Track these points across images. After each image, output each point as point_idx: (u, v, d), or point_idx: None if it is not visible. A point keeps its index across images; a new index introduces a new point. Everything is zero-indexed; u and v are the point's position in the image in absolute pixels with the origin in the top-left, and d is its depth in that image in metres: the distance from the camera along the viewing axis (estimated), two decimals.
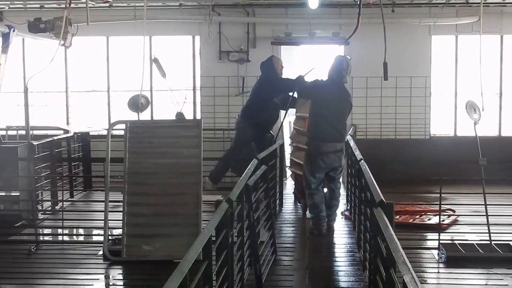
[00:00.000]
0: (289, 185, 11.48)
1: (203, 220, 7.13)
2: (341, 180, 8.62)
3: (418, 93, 12.71)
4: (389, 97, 12.67)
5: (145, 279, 6.78)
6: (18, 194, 9.34)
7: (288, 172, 11.86)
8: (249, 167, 6.60)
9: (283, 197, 10.26)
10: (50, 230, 9.15)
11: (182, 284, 3.35)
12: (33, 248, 7.88)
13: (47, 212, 9.80)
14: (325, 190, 8.49)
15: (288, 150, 11.79)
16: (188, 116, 12.13)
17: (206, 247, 4.20)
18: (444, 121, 13.03)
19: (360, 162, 7.00)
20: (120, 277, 7.13)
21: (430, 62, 12.78)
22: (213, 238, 4.57)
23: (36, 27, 9.82)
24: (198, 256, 3.86)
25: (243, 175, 6.14)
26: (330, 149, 8.12)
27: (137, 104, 9.13)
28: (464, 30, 12.28)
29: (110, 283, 6.93)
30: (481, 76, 8.58)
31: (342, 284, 6.49)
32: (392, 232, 4.03)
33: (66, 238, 8.58)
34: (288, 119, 11.67)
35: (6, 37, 9.58)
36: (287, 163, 11.60)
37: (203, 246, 4.05)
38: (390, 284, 4.12)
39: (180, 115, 10.47)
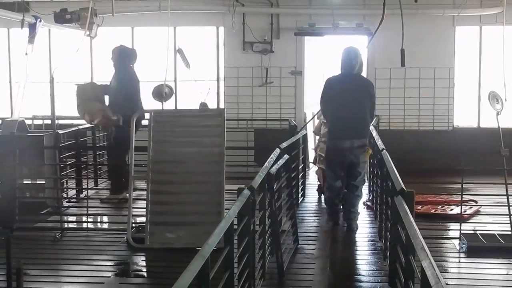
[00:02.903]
0: (312, 176, 11.52)
1: (226, 209, 7.20)
2: (365, 176, 8.42)
3: (441, 84, 12.67)
4: (412, 88, 12.65)
5: (168, 266, 6.84)
6: (43, 182, 9.47)
7: (311, 166, 11.88)
8: (271, 156, 6.67)
9: (306, 188, 10.30)
10: (74, 217, 9.28)
11: (204, 268, 3.42)
12: (58, 235, 8.00)
13: (71, 200, 9.92)
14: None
15: (310, 143, 11.85)
16: (212, 106, 12.21)
17: (228, 233, 4.27)
18: (468, 112, 12.98)
19: (382, 152, 7.03)
20: (143, 263, 7.23)
21: (454, 53, 12.72)
22: (235, 227, 4.64)
23: (62, 17, 9.96)
24: (219, 244, 3.93)
25: (265, 163, 6.20)
26: (346, 146, 7.86)
27: (161, 93, 9.22)
28: (488, 21, 12.21)
29: (134, 270, 7.03)
30: (504, 67, 8.56)
31: (363, 272, 6.55)
32: (412, 219, 4.07)
33: (90, 225, 8.70)
34: (311, 110, 11.73)
35: (32, 27, 9.71)
36: (309, 156, 11.64)
37: (224, 232, 4.12)
38: (409, 271, 4.18)
39: (203, 105, 10.57)
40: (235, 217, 4.57)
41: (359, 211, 8.27)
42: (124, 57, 9.74)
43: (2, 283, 5.51)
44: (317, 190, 9.97)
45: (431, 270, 3.09)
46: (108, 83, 9.88)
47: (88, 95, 9.43)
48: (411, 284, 4.12)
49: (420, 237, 3.66)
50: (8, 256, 5.02)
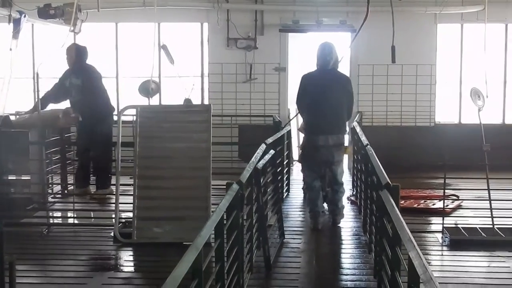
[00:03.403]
0: (295, 171, 11.62)
1: (212, 204, 7.27)
2: (344, 177, 8.27)
3: (423, 81, 12.82)
4: (395, 85, 12.78)
5: (155, 261, 6.92)
6: (29, 178, 9.46)
7: (294, 163, 11.98)
8: (258, 151, 6.75)
9: (290, 183, 10.39)
10: (61, 213, 9.30)
11: (197, 260, 3.50)
12: (45, 231, 8.03)
13: (57, 196, 9.93)
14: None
15: (294, 140, 11.94)
16: (196, 102, 12.26)
17: (219, 226, 4.35)
18: (449, 109, 13.15)
19: (366, 147, 7.14)
20: (131, 258, 7.27)
21: (436, 50, 12.88)
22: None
23: (45, 13, 9.93)
24: (209, 239, 3.99)
25: (252, 159, 6.28)
26: (321, 142, 7.83)
27: (147, 89, 9.26)
28: (470, 18, 12.35)
29: (121, 264, 7.06)
30: (486, 64, 8.70)
31: (348, 265, 6.68)
32: (398, 212, 4.18)
33: (77, 221, 8.73)
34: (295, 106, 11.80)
35: (17, 22, 9.70)
36: (293, 154, 11.74)
37: (215, 225, 4.21)
38: (396, 262, 4.28)
39: (188, 101, 10.62)
40: (224, 212, 4.64)
41: (343, 205, 8.30)
42: (81, 55, 9.80)
43: None
44: (302, 188, 9.88)
45: (419, 260, 3.20)
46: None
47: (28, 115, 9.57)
48: (398, 275, 4.22)
49: (407, 228, 3.77)
50: (0, 250, 5.06)
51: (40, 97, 9.52)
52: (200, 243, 3.59)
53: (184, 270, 3.20)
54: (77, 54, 9.72)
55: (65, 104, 9.89)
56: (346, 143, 8.45)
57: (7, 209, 8.45)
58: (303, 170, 8.39)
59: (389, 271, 4.48)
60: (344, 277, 6.31)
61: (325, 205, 8.44)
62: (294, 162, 12.09)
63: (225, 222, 4.77)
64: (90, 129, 9.63)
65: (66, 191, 10.08)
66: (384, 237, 4.93)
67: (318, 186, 8.12)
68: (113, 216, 7.68)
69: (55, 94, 9.84)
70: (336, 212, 8.10)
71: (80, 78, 9.63)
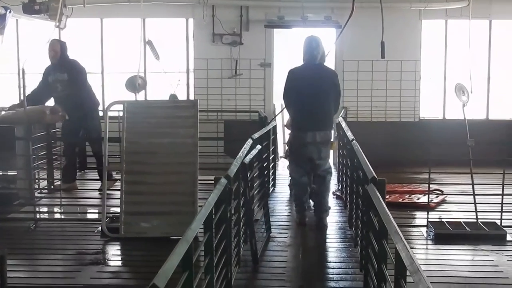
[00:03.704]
0: (281, 166, 11.68)
1: (199, 199, 7.32)
2: (331, 168, 8.27)
3: (408, 76, 12.91)
4: (379, 81, 12.86)
5: (142, 255, 6.95)
6: (15, 173, 9.45)
7: (282, 160, 12.04)
8: (244, 146, 6.80)
9: (276, 178, 10.45)
10: (48, 208, 9.30)
11: (188, 252, 3.55)
12: (32, 226, 8.04)
13: (43, 191, 9.93)
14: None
15: (280, 136, 12.00)
16: (182, 98, 12.30)
17: (208, 220, 4.40)
18: (433, 105, 13.25)
19: (352, 142, 7.20)
20: (119, 252, 7.29)
21: (420, 46, 12.96)
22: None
23: (30, 8, 9.93)
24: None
25: (239, 153, 6.33)
26: (308, 139, 7.73)
27: (134, 84, 9.28)
28: (454, 14, 12.45)
29: (109, 259, 7.09)
30: (470, 60, 8.78)
31: (334, 259, 6.73)
32: (385, 206, 4.25)
33: (64, 216, 8.73)
34: (280, 102, 11.86)
35: (2, 18, 9.68)
36: (279, 149, 11.80)
37: (205, 218, 4.25)
38: (382, 255, 4.34)
39: (173, 97, 10.68)
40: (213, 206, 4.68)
41: (329, 205, 8.17)
42: (65, 49, 9.81)
43: None
44: (288, 185, 9.80)
45: (405, 252, 3.27)
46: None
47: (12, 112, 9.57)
48: (384, 267, 4.28)
49: (393, 221, 3.83)
50: None
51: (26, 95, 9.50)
52: (190, 236, 3.64)
53: (175, 262, 3.25)
54: (62, 49, 9.72)
55: (52, 101, 9.88)
56: (332, 138, 8.47)
57: None
58: (290, 166, 8.39)
59: (376, 264, 4.54)
60: (331, 270, 6.37)
61: (311, 202, 8.48)
62: (279, 158, 12.15)
63: (213, 216, 4.82)
64: (78, 123, 9.63)
65: (52, 186, 10.07)
66: (371, 231, 5.00)
67: (305, 181, 8.07)
68: (101, 211, 7.71)
69: (40, 91, 9.80)
70: (321, 209, 7.95)
71: (66, 72, 9.63)
